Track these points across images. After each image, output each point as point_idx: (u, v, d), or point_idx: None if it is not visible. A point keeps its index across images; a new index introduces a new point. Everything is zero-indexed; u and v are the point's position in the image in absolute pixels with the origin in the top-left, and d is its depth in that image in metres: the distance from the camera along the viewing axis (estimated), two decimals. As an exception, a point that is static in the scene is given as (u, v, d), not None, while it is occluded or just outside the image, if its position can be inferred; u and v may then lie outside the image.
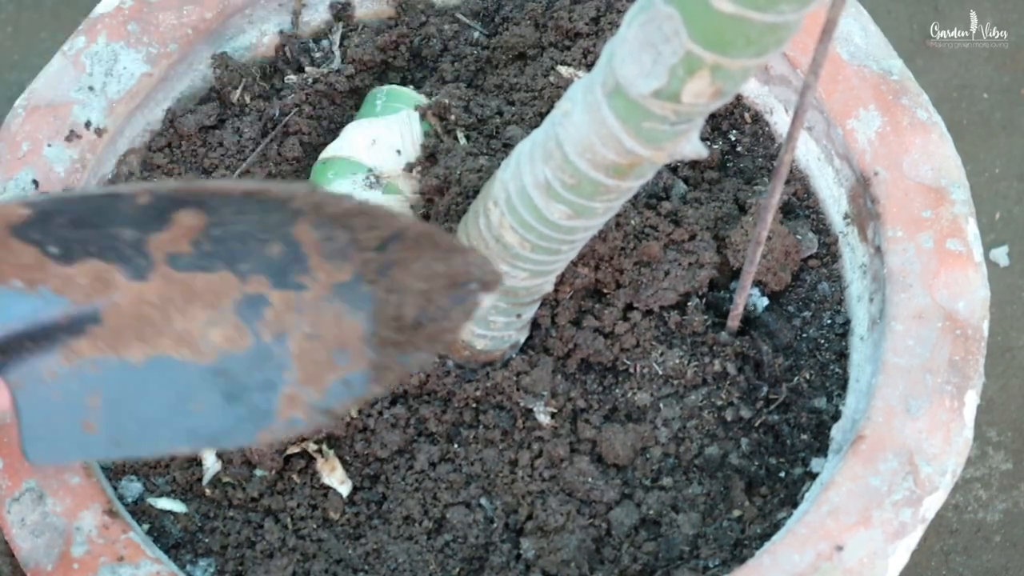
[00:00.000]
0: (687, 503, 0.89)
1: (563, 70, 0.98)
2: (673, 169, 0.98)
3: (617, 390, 0.91)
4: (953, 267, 0.87)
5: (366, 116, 0.95)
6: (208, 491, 0.87)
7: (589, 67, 0.98)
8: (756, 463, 0.90)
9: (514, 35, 1.01)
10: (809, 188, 0.97)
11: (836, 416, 0.89)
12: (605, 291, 0.92)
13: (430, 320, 0.66)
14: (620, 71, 0.62)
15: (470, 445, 0.90)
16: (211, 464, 0.87)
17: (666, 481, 0.89)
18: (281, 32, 1.02)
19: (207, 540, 0.86)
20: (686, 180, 0.98)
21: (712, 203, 0.96)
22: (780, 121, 0.99)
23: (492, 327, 0.87)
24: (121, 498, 0.86)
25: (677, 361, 0.91)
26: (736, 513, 0.88)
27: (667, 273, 0.91)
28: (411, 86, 1.00)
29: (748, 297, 0.92)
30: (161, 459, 0.88)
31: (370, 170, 0.93)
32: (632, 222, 0.92)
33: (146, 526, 0.85)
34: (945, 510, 1.20)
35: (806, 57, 0.92)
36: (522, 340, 0.91)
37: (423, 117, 0.94)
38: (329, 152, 0.94)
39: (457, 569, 0.87)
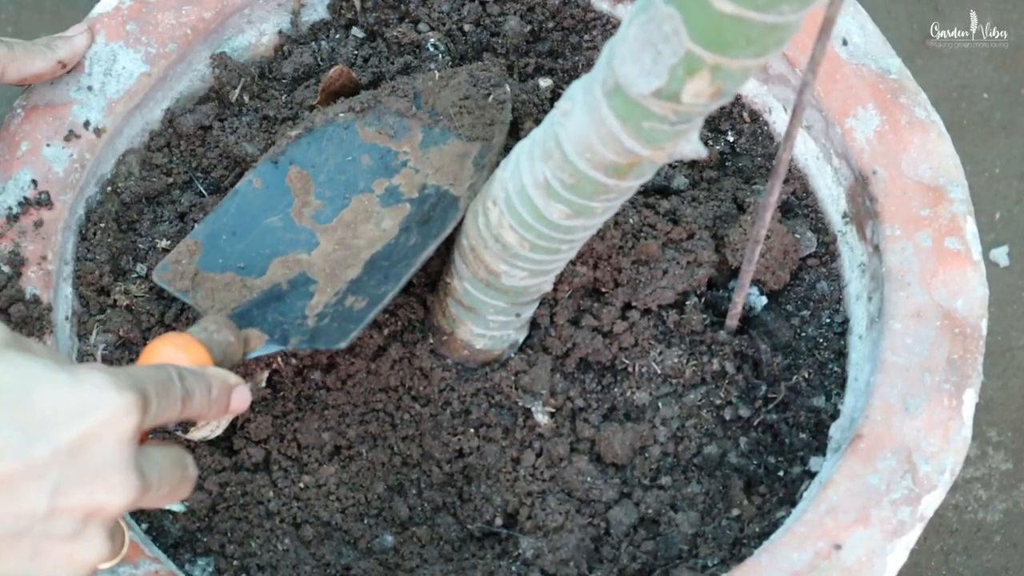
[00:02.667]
0: (686, 502, 0.89)
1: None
2: (672, 168, 0.98)
3: (616, 389, 0.91)
4: (951, 266, 0.87)
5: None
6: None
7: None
8: (755, 462, 0.90)
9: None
10: (808, 187, 0.97)
11: (835, 415, 0.89)
12: (603, 290, 0.92)
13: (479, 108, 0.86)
14: (620, 70, 0.62)
15: (471, 443, 0.90)
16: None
17: (665, 480, 0.89)
18: (280, 32, 1.02)
19: (206, 540, 0.86)
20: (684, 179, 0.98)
21: (711, 202, 0.96)
22: (779, 120, 0.99)
23: (491, 326, 0.87)
24: (120, 498, 0.86)
25: (676, 360, 0.91)
26: (735, 512, 0.88)
27: (665, 272, 0.91)
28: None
29: (747, 296, 0.92)
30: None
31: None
32: (631, 221, 0.92)
33: (145, 525, 0.85)
34: (945, 510, 1.21)
35: (805, 56, 0.92)
36: (521, 339, 0.91)
37: None
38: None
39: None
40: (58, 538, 0.63)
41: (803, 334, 0.93)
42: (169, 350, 0.74)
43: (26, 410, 0.61)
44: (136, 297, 0.91)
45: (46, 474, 0.61)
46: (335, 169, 0.85)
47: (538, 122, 0.86)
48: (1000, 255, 1.32)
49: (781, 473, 0.89)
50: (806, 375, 0.92)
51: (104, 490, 0.63)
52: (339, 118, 0.88)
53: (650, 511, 0.88)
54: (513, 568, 0.88)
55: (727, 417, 0.91)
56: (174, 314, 0.91)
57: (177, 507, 0.87)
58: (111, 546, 0.66)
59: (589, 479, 0.89)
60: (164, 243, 0.93)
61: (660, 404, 0.91)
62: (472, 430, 0.90)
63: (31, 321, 0.85)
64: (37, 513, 0.62)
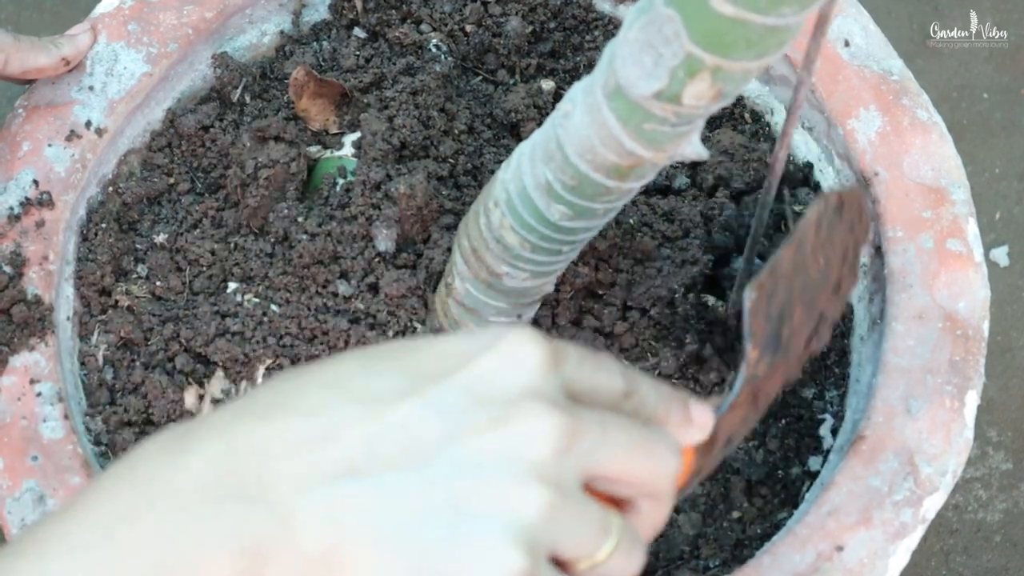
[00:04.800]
0: (687, 503, 0.89)
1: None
2: (674, 168, 0.98)
3: (617, 390, 0.91)
4: (953, 267, 0.87)
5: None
6: None
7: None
8: (756, 463, 0.90)
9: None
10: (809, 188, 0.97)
11: (836, 416, 0.89)
12: (601, 292, 0.92)
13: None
14: (621, 72, 0.62)
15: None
16: None
17: (666, 481, 0.89)
18: (281, 32, 1.02)
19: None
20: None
21: (709, 200, 0.96)
22: (780, 121, 0.99)
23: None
24: (121, 498, 0.86)
25: (674, 361, 0.91)
26: (736, 514, 0.88)
27: (660, 270, 0.91)
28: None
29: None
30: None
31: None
32: (631, 220, 0.92)
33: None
34: (945, 510, 1.21)
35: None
36: (522, 340, 0.91)
37: None
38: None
39: None
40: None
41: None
42: None
43: None
44: (137, 298, 0.91)
45: None
46: None
47: (540, 124, 0.86)
48: (1000, 255, 1.32)
49: (782, 474, 0.89)
50: (807, 376, 0.92)
51: None
52: None
53: (651, 512, 0.88)
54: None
55: (728, 418, 0.91)
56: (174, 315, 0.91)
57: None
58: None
59: (590, 480, 0.89)
60: (161, 238, 0.93)
61: (661, 405, 0.91)
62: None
63: (32, 322, 0.85)
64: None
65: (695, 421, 0.60)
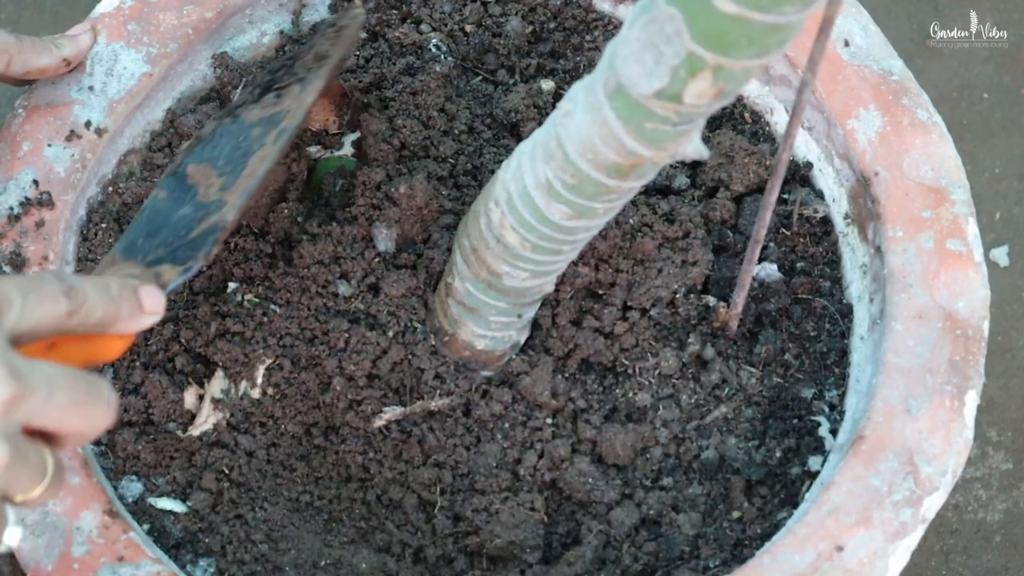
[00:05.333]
0: (687, 503, 0.89)
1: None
2: (673, 168, 0.98)
3: (617, 390, 0.92)
4: (953, 267, 0.87)
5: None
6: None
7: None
8: (756, 463, 0.90)
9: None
10: (809, 188, 0.97)
11: (836, 416, 0.89)
12: (601, 292, 0.92)
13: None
14: (622, 71, 0.62)
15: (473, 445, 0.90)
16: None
17: (666, 481, 0.90)
18: (281, 32, 1.02)
19: (207, 540, 0.86)
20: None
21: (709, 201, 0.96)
22: (780, 121, 0.99)
23: (492, 327, 0.87)
24: (121, 498, 0.86)
25: (676, 361, 0.91)
26: (736, 514, 0.88)
27: (660, 271, 0.91)
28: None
29: (758, 274, 0.92)
30: (162, 459, 0.88)
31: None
32: (631, 221, 0.92)
33: (146, 526, 0.85)
34: (945, 510, 1.21)
35: (807, 57, 0.92)
36: (522, 340, 0.91)
37: None
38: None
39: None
40: None
41: (804, 335, 0.93)
42: None
43: None
44: (137, 297, 0.91)
45: None
46: (231, 150, 0.85)
47: (540, 124, 0.86)
48: (1000, 255, 1.32)
49: (782, 474, 0.89)
50: (807, 376, 0.92)
51: None
52: (224, 120, 0.88)
53: (652, 512, 0.88)
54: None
55: (728, 418, 0.91)
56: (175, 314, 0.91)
57: (179, 507, 0.87)
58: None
59: (591, 480, 0.89)
60: None
61: (661, 406, 0.91)
62: (473, 430, 0.91)
63: (32, 321, 0.85)
64: None
65: (146, 308, 0.69)
